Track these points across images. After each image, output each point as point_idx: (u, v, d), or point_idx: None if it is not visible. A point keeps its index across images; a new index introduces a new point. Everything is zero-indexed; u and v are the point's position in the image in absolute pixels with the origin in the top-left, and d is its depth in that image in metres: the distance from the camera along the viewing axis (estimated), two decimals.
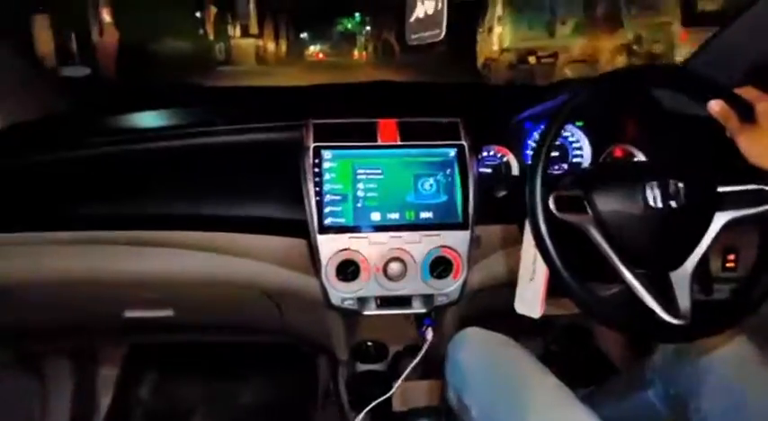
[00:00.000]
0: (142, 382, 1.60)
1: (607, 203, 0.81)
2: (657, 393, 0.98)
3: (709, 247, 0.82)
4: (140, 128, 1.10)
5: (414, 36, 0.77)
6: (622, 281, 0.80)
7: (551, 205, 0.81)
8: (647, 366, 1.01)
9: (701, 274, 0.84)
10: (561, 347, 1.53)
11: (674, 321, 0.77)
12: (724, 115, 0.81)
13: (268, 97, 1.33)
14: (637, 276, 0.79)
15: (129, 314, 1.12)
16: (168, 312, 1.13)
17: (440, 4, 0.73)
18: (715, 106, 0.82)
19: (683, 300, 0.80)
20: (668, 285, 0.81)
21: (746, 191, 0.82)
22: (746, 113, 0.80)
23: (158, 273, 1.05)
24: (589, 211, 0.81)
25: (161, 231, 1.03)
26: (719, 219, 0.82)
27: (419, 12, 0.75)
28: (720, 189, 0.83)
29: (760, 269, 0.83)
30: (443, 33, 0.75)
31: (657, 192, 0.81)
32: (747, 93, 0.82)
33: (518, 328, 0.98)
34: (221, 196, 1.03)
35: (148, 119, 1.13)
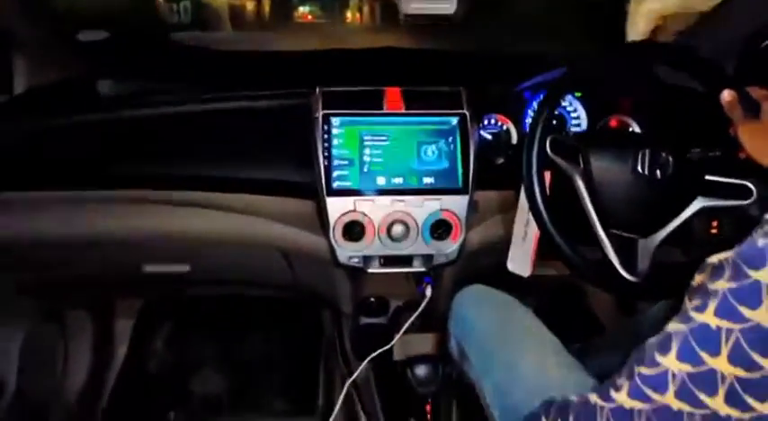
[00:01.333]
0: (156, 335, 1.68)
1: (599, 160, 0.87)
2: None
3: (680, 226, 0.88)
4: (158, 92, 1.14)
5: (414, 5, 0.74)
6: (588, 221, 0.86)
7: (547, 146, 0.87)
8: (635, 324, 1.07)
9: (682, 240, 0.90)
10: (552, 305, 1.61)
11: (629, 277, 0.84)
12: (732, 105, 0.86)
13: (278, 62, 1.36)
14: (609, 234, 0.85)
15: (148, 269, 1.19)
16: (185, 267, 1.20)
17: None
18: (727, 96, 0.86)
19: (643, 263, 0.86)
20: (634, 249, 0.87)
21: (731, 184, 0.87)
22: (751, 108, 0.85)
23: (178, 230, 1.12)
24: (581, 163, 0.87)
25: (180, 191, 1.09)
26: (698, 203, 0.87)
27: None
28: (708, 177, 0.88)
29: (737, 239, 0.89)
30: (454, 7, 0.73)
31: (647, 160, 0.87)
32: (755, 91, 0.87)
33: (511, 286, 1.05)
34: (237, 159, 1.09)
35: (166, 84, 1.18)
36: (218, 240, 1.13)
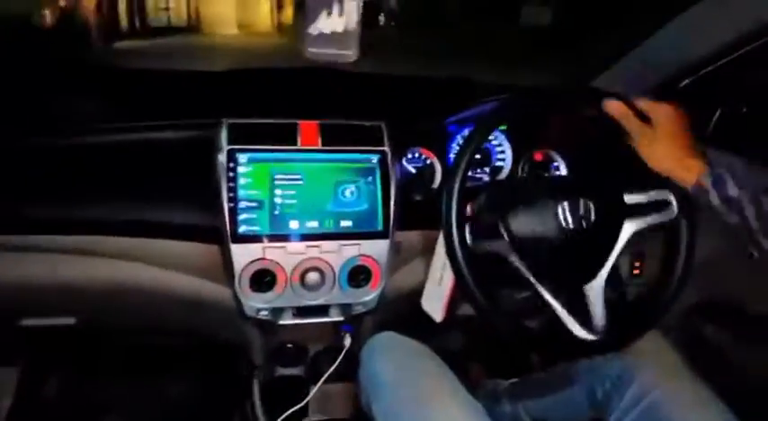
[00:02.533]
0: (47, 382, 1.49)
1: (521, 226, 0.83)
2: (582, 391, 1.01)
3: (620, 255, 0.86)
4: (41, 118, 0.99)
5: (312, 50, 0.68)
6: (532, 290, 0.82)
7: (467, 238, 0.82)
8: (571, 364, 1.04)
9: (613, 279, 0.87)
10: (481, 342, 1.57)
11: (589, 336, 0.81)
12: (622, 114, 0.84)
13: (183, 84, 1.24)
14: (554, 293, 0.81)
15: (27, 322, 1.04)
16: (69, 320, 1.05)
17: (351, 24, 0.66)
18: (613, 105, 0.84)
19: (598, 314, 0.84)
20: (583, 299, 0.85)
21: (652, 201, 0.86)
22: (643, 120, 0.83)
23: (57, 279, 0.98)
24: (505, 236, 0.82)
25: (60, 236, 0.95)
26: (628, 228, 0.86)
27: (322, 26, 0.67)
28: (628, 199, 0.86)
29: (665, 276, 0.88)
30: (355, 56, 0.68)
31: (569, 214, 0.84)
32: (640, 102, 0.85)
33: (437, 325, 0.99)
34: (129, 198, 0.97)
35: (52, 108, 1.03)
36: (106, 290, 1.00)
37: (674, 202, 0.87)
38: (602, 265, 0.85)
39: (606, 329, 0.84)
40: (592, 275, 0.85)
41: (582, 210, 0.84)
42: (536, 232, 0.83)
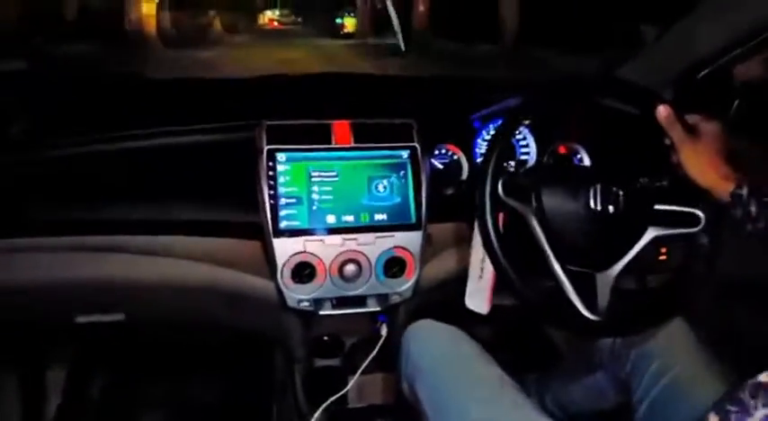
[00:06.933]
0: (93, 382, 1.55)
1: (551, 198, 0.87)
2: (606, 377, 1.04)
3: (636, 256, 0.88)
4: (88, 128, 1.05)
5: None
6: (553, 276, 0.85)
7: (499, 189, 0.85)
8: (595, 351, 1.07)
9: (633, 267, 0.90)
10: (511, 334, 1.60)
11: (592, 317, 0.83)
12: (670, 121, 0.86)
13: (218, 91, 1.30)
14: (565, 271, 0.84)
15: (81, 319, 1.10)
16: (119, 316, 1.11)
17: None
18: (663, 111, 0.86)
19: (603, 300, 0.86)
20: (592, 285, 0.87)
21: (680, 212, 0.88)
22: (688, 131, 0.86)
23: (109, 278, 1.03)
24: (533, 202, 0.86)
25: (111, 236, 1.01)
26: (650, 233, 0.87)
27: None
28: (657, 206, 0.88)
29: (685, 274, 0.90)
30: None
31: (599, 196, 0.87)
32: (690, 117, 0.88)
33: (468, 316, 1.02)
34: (173, 199, 1.02)
35: (97, 118, 1.09)
36: (154, 287, 1.05)
37: (703, 219, 0.87)
38: (618, 259, 0.87)
39: (608, 313, 0.85)
40: (606, 265, 0.87)
41: (612, 197, 0.87)
42: (563, 206, 0.87)
